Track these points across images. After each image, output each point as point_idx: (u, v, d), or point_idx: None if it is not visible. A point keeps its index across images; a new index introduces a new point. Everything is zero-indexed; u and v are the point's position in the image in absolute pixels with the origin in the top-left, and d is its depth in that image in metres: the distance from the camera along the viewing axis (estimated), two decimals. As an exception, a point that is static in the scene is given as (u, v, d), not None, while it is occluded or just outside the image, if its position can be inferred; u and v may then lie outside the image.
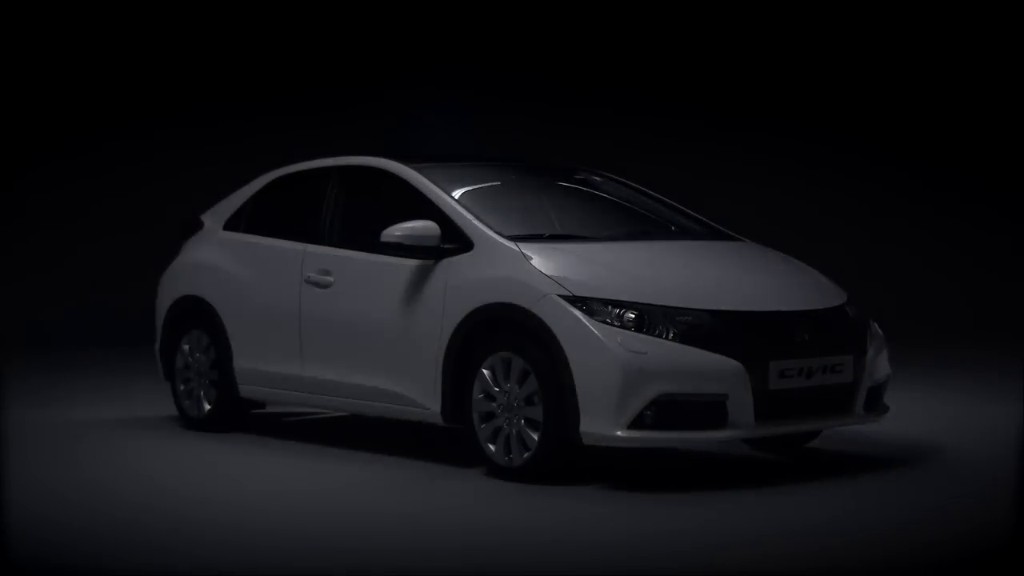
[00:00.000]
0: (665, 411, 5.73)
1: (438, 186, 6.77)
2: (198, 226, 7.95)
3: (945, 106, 12.92)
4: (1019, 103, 12.52)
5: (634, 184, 7.65)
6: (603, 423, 5.75)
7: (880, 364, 6.38)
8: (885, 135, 13.05)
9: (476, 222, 6.51)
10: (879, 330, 6.53)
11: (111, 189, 12.58)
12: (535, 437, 5.93)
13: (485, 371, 6.11)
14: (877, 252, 12.94)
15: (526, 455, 5.98)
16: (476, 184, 7.37)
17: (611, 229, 7.04)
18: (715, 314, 5.93)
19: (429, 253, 6.41)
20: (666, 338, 5.80)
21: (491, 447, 6.11)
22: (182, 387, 7.68)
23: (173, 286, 7.85)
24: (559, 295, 5.93)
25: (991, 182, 12.72)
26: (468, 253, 6.31)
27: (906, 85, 13.05)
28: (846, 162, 13.14)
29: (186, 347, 7.66)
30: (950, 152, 12.90)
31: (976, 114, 12.89)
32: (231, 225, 7.72)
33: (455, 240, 6.38)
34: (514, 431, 6.01)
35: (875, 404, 6.40)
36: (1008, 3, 12.46)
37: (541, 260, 6.17)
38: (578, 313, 5.85)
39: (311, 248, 7.08)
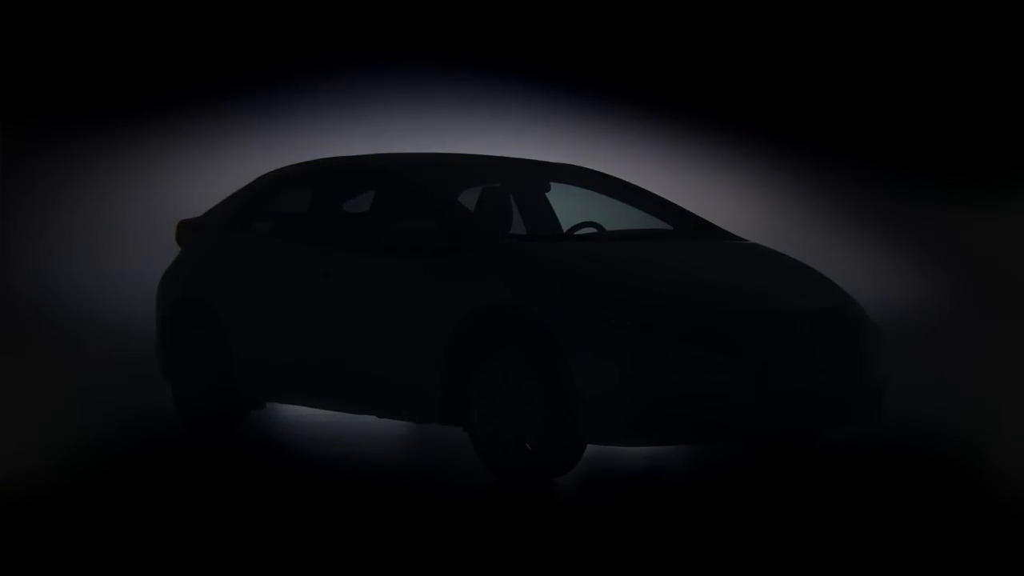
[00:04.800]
0: (666, 411, 5.72)
1: (438, 186, 6.77)
2: (198, 226, 7.94)
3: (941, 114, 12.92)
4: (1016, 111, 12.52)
5: (633, 183, 7.66)
6: (603, 423, 5.74)
7: (880, 364, 6.37)
8: (884, 137, 13.05)
9: (476, 222, 6.50)
10: (879, 330, 6.52)
11: (110, 188, 12.58)
12: (535, 437, 5.92)
13: (485, 371, 6.10)
14: (876, 251, 12.94)
15: (526, 456, 5.97)
16: (476, 183, 7.38)
17: (611, 228, 7.05)
18: (716, 314, 5.92)
19: (429, 253, 6.40)
20: (666, 338, 5.78)
21: (490, 447, 6.10)
22: (181, 387, 7.67)
23: (173, 286, 7.84)
24: (559, 295, 5.91)
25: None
26: (468, 253, 6.30)
27: (897, 93, 13.05)
28: (844, 161, 13.14)
29: (186, 347, 7.65)
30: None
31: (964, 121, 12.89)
32: (231, 225, 7.72)
33: (455, 240, 6.36)
34: (514, 431, 6.00)
35: (875, 404, 6.40)
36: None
37: (541, 260, 6.17)
38: (578, 312, 5.83)
39: (311, 248, 7.08)
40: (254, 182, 7.87)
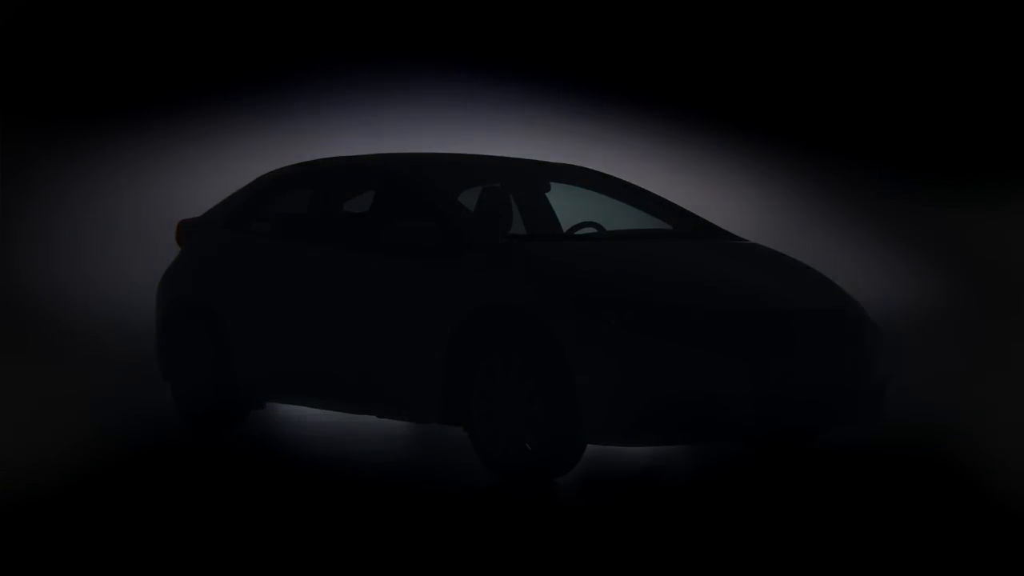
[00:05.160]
0: (666, 411, 5.72)
1: (438, 185, 6.77)
2: (198, 226, 7.95)
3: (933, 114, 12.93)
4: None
5: (633, 183, 7.66)
6: (603, 423, 5.73)
7: (881, 364, 6.37)
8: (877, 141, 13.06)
9: (476, 221, 6.50)
10: (879, 329, 6.52)
11: (110, 189, 12.58)
12: (535, 437, 5.92)
13: (485, 371, 6.09)
14: (875, 251, 12.95)
15: (526, 456, 5.97)
16: (476, 183, 7.38)
17: (611, 228, 7.05)
18: (716, 313, 5.91)
19: (429, 253, 6.40)
20: (667, 337, 5.77)
21: (490, 447, 6.10)
22: (181, 387, 7.68)
23: (173, 286, 7.84)
24: (559, 294, 5.91)
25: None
26: (468, 253, 6.30)
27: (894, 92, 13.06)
28: (844, 161, 13.15)
29: (185, 347, 7.65)
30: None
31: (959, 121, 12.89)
32: (231, 225, 7.72)
33: (455, 240, 6.36)
34: (514, 431, 5.99)
35: (876, 404, 6.40)
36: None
37: (541, 259, 6.16)
38: (578, 312, 5.83)
39: (310, 248, 7.08)
40: (254, 182, 7.87)
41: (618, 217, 7.29)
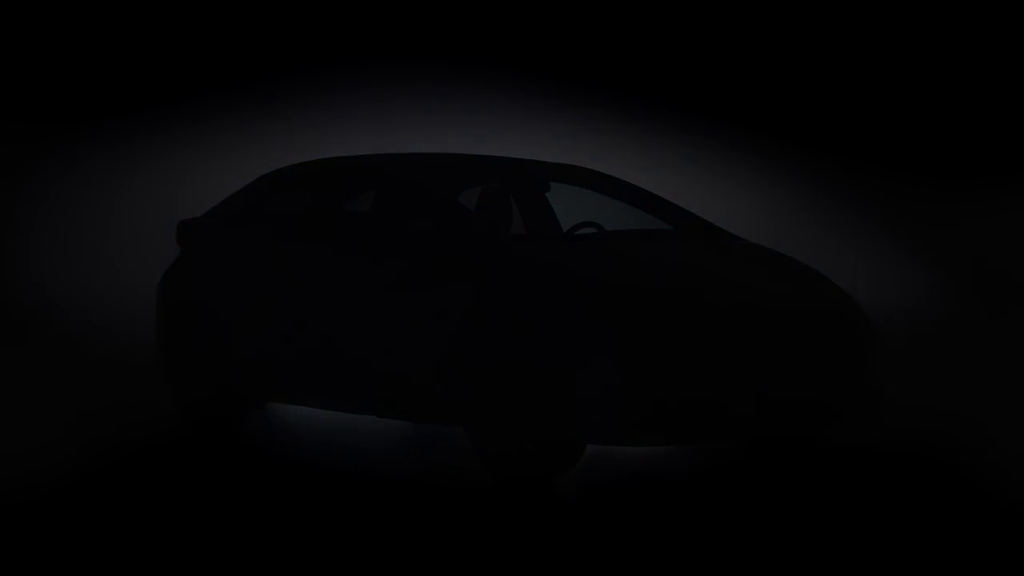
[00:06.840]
0: (666, 411, 5.72)
1: (438, 185, 6.76)
2: (198, 226, 7.94)
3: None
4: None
5: (634, 184, 7.66)
6: (603, 423, 5.73)
7: (879, 364, 6.37)
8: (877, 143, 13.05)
9: (477, 222, 6.50)
10: (878, 329, 6.52)
11: (110, 188, 12.57)
12: (535, 437, 5.91)
13: (485, 371, 6.09)
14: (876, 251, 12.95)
15: (526, 456, 5.96)
16: (476, 184, 7.38)
17: (611, 228, 7.05)
18: (716, 313, 5.92)
19: (430, 253, 6.39)
20: (667, 337, 5.78)
21: (490, 447, 6.10)
22: (181, 387, 7.67)
23: (172, 286, 7.84)
24: (558, 295, 5.91)
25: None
26: (468, 253, 6.29)
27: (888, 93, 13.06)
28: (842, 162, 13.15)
29: (186, 347, 7.65)
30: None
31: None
32: (231, 225, 7.71)
33: (456, 240, 6.36)
34: (514, 431, 5.99)
35: (875, 404, 6.39)
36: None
37: (542, 259, 6.16)
38: (578, 313, 5.83)
39: (311, 248, 7.07)
40: (254, 182, 7.87)
41: (618, 217, 7.29)
